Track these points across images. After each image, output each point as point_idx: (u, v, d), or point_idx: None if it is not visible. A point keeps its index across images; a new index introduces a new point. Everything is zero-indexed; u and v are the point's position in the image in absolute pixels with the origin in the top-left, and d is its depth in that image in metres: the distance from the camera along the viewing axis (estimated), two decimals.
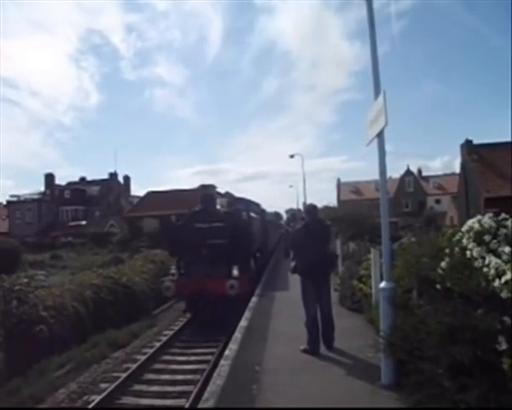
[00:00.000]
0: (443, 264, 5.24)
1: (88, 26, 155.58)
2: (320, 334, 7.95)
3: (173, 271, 15.01)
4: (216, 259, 14.02)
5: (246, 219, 15.47)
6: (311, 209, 8.73)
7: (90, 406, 8.03)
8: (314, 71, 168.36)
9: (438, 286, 5.31)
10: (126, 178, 76.47)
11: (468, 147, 33.48)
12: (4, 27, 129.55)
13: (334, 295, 11.20)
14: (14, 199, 70.02)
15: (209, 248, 14.13)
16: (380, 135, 6.13)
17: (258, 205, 23.93)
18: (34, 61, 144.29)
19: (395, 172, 75.91)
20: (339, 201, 72.77)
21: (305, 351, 7.81)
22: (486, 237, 4.87)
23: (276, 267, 24.54)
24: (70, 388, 9.57)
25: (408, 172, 76.38)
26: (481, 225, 5.04)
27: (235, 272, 13.92)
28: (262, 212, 24.57)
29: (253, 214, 17.83)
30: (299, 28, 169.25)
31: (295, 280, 13.16)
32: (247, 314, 11.48)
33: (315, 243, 8.07)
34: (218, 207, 15.90)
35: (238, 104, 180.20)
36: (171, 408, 7.84)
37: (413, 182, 75.61)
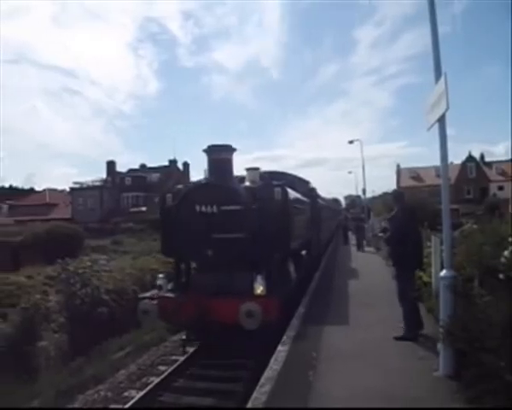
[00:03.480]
0: (506, 253, 5.08)
1: (146, 15, 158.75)
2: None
3: (160, 282, 9.65)
4: (228, 264, 9.04)
5: (281, 199, 9.49)
6: (399, 196, 8.69)
7: (149, 387, 8.23)
8: (372, 54, 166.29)
9: (501, 276, 5.16)
10: (186, 165, 77.28)
11: None
12: (63, 18, 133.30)
13: (392, 283, 11.02)
14: (77, 186, 72.00)
15: (217, 247, 8.94)
16: (441, 119, 5.97)
17: (306, 183, 16.57)
18: (93, 51, 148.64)
19: (456, 157, 73.96)
20: (398, 187, 71.60)
21: (401, 338, 7.78)
22: None
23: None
24: (130, 369, 9.86)
25: (470, 158, 74.32)
26: None
27: (260, 286, 8.63)
28: (312, 192, 16.85)
29: (295, 194, 11.45)
30: (356, 11, 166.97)
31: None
32: None
33: (418, 232, 8.14)
34: (248, 183, 10.27)
35: (296, 89, 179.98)
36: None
37: (475, 168, 73.50)
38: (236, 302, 8.22)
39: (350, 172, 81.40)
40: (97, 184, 70.98)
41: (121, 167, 77.54)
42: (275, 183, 10.17)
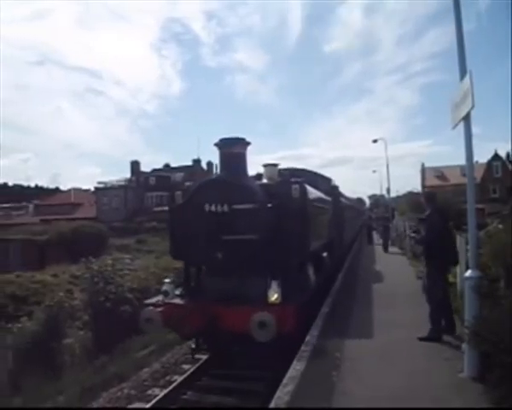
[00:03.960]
0: None
1: (169, 15, 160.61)
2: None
3: (166, 287, 8.77)
4: (240, 268, 8.25)
5: (299, 197, 8.58)
6: (432, 197, 8.67)
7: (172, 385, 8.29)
8: (397, 52, 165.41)
9: None
10: (209, 165, 77.27)
11: None
12: (87, 20, 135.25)
13: (417, 284, 10.94)
14: (102, 186, 72.69)
15: (228, 250, 8.11)
16: (466, 118, 5.90)
17: (328, 180, 15.26)
18: (117, 52, 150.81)
19: (482, 156, 72.82)
20: (423, 186, 70.96)
21: (426, 339, 7.72)
22: None
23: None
24: (153, 367, 9.92)
25: (496, 157, 73.24)
26: None
27: (275, 293, 7.64)
28: (334, 190, 15.52)
29: (315, 192, 10.59)
30: (380, 9, 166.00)
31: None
32: None
33: (451, 232, 8.12)
34: (265, 180, 9.47)
35: (319, 89, 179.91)
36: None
37: (501, 167, 72.40)
38: (248, 311, 7.33)
39: (374, 172, 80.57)
40: (122, 183, 71.54)
41: (145, 167, 78.27)
42: (293, 180, 9.14)
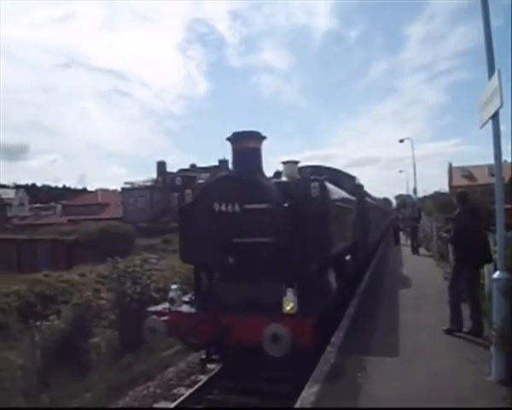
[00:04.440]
0: None
1: (194, 16, 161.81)
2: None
3: (172, 294, 7.95)
4: (253, 274, 7.52)
5: (319, 196, 7.75)
6: (464, 196, 8.73)
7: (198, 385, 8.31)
8: (423, 50, 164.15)
9: None
10: None
11: None
12: (113, 22, 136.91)
13: (444, 284, 10.79)
14: (128, 186, 73.15)
15: (240, 254, 7.41)
16: (494, 117, 5.81)
17: (352, 178, 14.13)
18: (142, 53, 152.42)
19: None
20: (450, 186, 70.07)
21: (448, 331, 8.03)
22: None
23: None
24: (179, 367, 9.98)
25: None
26: None
27: (290, 303, 6.76)
28: (359, 188, 14.38)
29: (337, 190, 9.77)
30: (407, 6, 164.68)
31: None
32: None
33: (479, 231, 8.13)
34: (284, 179, 8.71)
35: (345, 88, 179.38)
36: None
37: None
38: (260, 323, 6.53)
39: (401, 172, 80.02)
40: (148, 184, 71.93)
41: (171, 167, 78.45)
42: (312, 177, 8.36)
